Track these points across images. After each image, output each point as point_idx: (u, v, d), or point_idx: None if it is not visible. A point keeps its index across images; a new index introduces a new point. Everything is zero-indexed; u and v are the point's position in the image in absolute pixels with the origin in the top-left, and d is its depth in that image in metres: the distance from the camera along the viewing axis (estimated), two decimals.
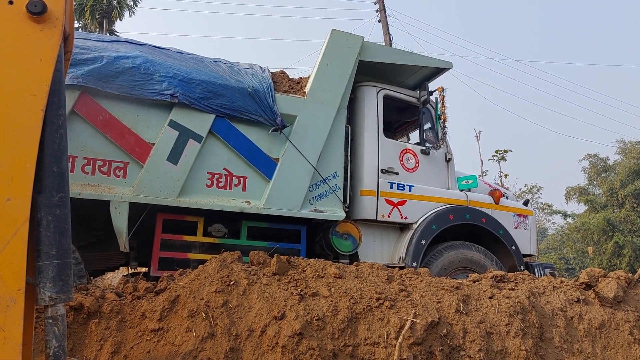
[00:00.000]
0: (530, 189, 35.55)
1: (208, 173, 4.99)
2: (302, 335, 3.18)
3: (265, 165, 5.21)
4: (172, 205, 4.78)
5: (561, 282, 4.36)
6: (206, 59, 5.53)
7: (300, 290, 3.53)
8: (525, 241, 6.61)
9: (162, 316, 3.21)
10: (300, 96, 5.49)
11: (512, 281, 4.30)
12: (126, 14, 27.63)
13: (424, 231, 5.82)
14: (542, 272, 6.48)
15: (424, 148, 6.29)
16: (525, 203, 7.42)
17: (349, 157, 5.81)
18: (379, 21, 19.68)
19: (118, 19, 27.18)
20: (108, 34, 26.39)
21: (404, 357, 3.23)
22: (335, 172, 5.59)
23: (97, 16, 26.14)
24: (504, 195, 6.92)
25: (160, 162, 4.74)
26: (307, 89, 5.53)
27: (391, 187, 5.92)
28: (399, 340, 3.29)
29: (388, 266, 5.28)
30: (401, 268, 5.28)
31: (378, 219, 5.81)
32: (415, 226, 5.90)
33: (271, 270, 3.73)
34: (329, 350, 3.18)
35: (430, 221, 5.89)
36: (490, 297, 3.95)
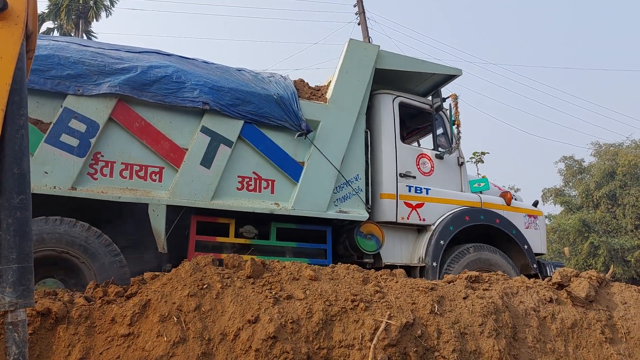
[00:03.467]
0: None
1: (238, 177, 5.16)
2: (276, 338, 3.15)
3: (292, 169, 5.40)
4: (206, 208, 4.93)
5: (534, 282, 4.41)
6: (231, 68, 5.68)
7: (275, 293, 3.50)
8: (536, 241, 6.84)
9: (132, 321, 3.15)
10: (322, 102, 5.70)
11: (486, 282, 4.33)
12: (103, 14, 27.26)
13: (442, 232, 6.02)
14: (553, 269, 6.74)
15: (439, 152, 6.53)
16: (535, 204, 7.58)
17: (369, 162, 6.00)
18: (359, 24, 19.74)
19: (95, 20, 26.81)
20: (84, 35, 26.04)
21: (378, 358, 3.22)
22: (357, 175, 5.79)
23: (72, 16, 25.75)
24: (513, 197, 7.16)
25: (194, 166, 4.90)
26: (328, 95, 5.74)
27: (409, 191, 6.13)
28: (374, 342, 3.28)
29: (409, 266, 5.95)
30: (422, 268, 5.88)
31: (398, 221, 6.00)
32: (433, 227, 6.10)
33: (246, 274, 3.69)
34: (303, 353, 3.16)
35: (447, 222, 6.10)
36: (464, 298, 3.97)
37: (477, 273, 4.42)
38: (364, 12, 19.54)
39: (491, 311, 3.83)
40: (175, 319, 3.16)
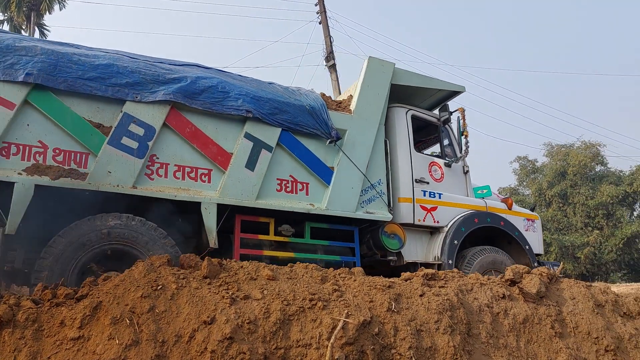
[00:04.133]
0: None
1: (277, 179, 5.59)
2: (233, 339, 3.11)
3: (324, 173, 5.88)
4: (250, 207, 5.33)
5: (488, 279, 4.51)
6: (263, 81, 6.17)
7: (232, 294, 3.46)
8: (535, 242, 7.47)
9: (82, 324, 3.05)
10: (347, 113, 6.26)
11: (442, 279, 4.40)
12: (56, 7, 26.32)
13: (455, 233, 6.57)
14: (553, 269, 7.06)
15: (448, 161, 7.13)
16: (532, 209, 8.31)
17: (388, 168, 6.52)
18: (320, 23, 19.76)
19: (47, 12, 25.86)
20: (36, 28, 25.10)
21: (335, 357, 3.23)
22: (380, 180, 6.31)
23: (24, 9, 24.76)
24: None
25: (240, 168, 5.31)
26: (352, 107, 6.32)
27: (424, 195, 6.70)
28: (331, 340, 3.29)
29: (425, 265, 6.37)
30: (439, 266, 6.39)
31: (415, 223, 6.52)
32: (446, 229, 6.63)
33: (202, 274, 3.63)
34: (260, 353, 3.13)
35: (459, 224, 6.66)
36: (421, 295, 4.02)
37: (433, 271, 4.50)
38: (325, 12, 19.56)
39: (447, 308, 3.90)
40: (127, 321, 3.08)
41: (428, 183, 6.76)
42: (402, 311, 3.80)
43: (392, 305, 3.77)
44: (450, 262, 6.37)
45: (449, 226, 6.63)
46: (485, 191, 7.51)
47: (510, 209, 7.53)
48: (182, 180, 5.04)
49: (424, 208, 6.61)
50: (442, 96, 7.47)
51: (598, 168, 31.75)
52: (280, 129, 5.58)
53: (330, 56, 18.98)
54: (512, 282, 4.52)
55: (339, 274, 4.18)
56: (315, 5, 19.81)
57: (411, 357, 3.46)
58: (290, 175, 5.68)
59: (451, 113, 7.24)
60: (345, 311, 3.52)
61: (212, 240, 4.98)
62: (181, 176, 5.05)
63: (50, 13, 26.20)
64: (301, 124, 5.73)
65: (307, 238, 5.78)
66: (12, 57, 4.46)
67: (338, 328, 3.35)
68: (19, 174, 4.27)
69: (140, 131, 4.84)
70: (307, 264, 4.19)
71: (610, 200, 28.85)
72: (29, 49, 4.59)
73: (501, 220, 7.06)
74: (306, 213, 5.66)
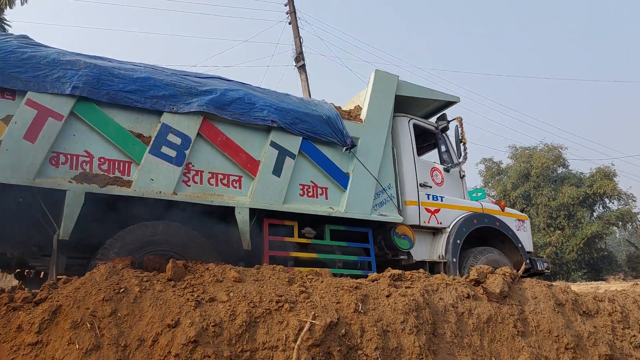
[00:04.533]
0: None
1: (300, 184, 5.94)
2: (197, 342, 3.06)
3: (341, 178, 6.28)
4: (278, 211, 5.66)
5: (453, 279, 4.57)
6: (280, 93, 6.47)
7: (197, 296, 3.41)
8: (526, 240, 8.02)
9: (41, 328, 2.95)
10: (359, 122, 6.68)
11: (409, 279, 4.44)
12: (17, 1, 25.48)
13: (458, 233, 7.04)
14: (542, 265, 7.99)
15: (447, 166, 7.67)
16: (522, 210, 9.04)
17: (397, 173, 6.98)
18: (289, 23, 19.71)
19: (8, 7, 25.01)
20: None
21: (302, 359, 3.22)
22: (390, 184, 6.74)
23: None
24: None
25: (267, 175, 5.63)
26: (362, 116, 6.77)
27: (428, 198, 7.18)
28: (298, 342, 3.27)
29: (431, 263, 6.89)
30: (444, 264, 6.85)
31: (421, 225, 6.95)
32: (448, 230, 7.09)
33: (166, 276, 3.57)
34: (225, 356, 3.09)
35: (460, 225, 7.13)
36: (387, 296, 4.05)
37: (400, 271, 4.53)
38: (294, 12, 19.52)
39: (413, 308, 3.93)
40: (88, 325, 3.00)
41: (431, 187, 7.30)
42: (368, 312, 3.81)
43: (359, 306, 3.79)
44: (454, 260, 6.85)
45: (451, 227, 7.10)
46: (479, 194, 8.15)
47: (503, 210, 8.06)
48: (216, 186, 5.35)
49: (428, 210, 7.11)
50: (438, 106, 8.03)
51: (560, 170, 32.71)
52: (301, 138, 5.95)
53: (299, 57, 18.95)
54: (477, 282, 4.59)
55: (307, 276, 4.17)
56: (285, 5, 19.76)
57: (377, 357, 3.48)
58: (311, 181, 6.07)
59: (449, 122, 7.80)
60: (312, 313, 3.52)
61: (246, 242, 5.25)
62: (215, 182, 5.35)
63: (11, 7, 25.33)
64: (320, 133, 6.12)
65: (327, 240, 6.11)
66: (59, 71, 4.66)
67: (305, 330, 3.34)
68: (70, 182, 4.47)
69: (177, 140, 5.14)
70: (274, 265, 4.17)
71: (572, 202, 29.73)
72: (74, 63, 4.81)
73: (497, 221, 7.59)
74: (326, 216, 6.03)
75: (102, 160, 4.75)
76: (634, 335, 4.77)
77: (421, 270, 4.77)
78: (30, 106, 4.47)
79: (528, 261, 7.52)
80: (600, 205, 32.17)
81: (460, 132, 7.72)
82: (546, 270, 8.12)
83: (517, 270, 6.45)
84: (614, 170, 31.08)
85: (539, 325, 4.39)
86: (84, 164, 4.65)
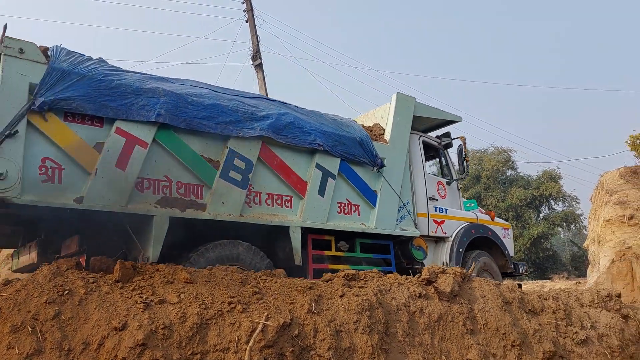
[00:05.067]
0: None
1: (338, 203, 6.36)
2: (145, 345, 2.98)
3: (371, 196, 6.72)
4: (322, 228, 6.12)
5: (406, 279, 4.63)
6: (318, 112, 6.76)
7: (146, 298, 3.32)
8: (509, 246, 8.81)
9: None
10: (384, 143, 7.12)
11: (362, 279, 4.47)
12: None
13: (460, 242, 7.68)
14: (522, 268, 8.80)
15: (450, 180, 8.29)
16: (506, 219, 9.68)
17: (413, 189, 7.46)
18: (247, 21, 19.52)
19: None
20: None
21: None
22: (408, 200, 7.22)
23: None
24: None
25: (314, 194, 6.04)
26: (387, 137, 7.23)
27: (435, 210, 7.72)
28: (250, 344, 3.23)
29: None
30: None
31: (429, 235, 7.47)
32: (451, 239, 7.67)
33: (114, 277, 3.46)
34: (174, 359, 3.02)
35: (462, 235, 7.76)
36: (341, 296, 4.06)
37: (354, 271, 4.56)
38: (252, 10, 19.35)
39: (366, 308, 3.96)
40: (29, 328, 2.87)
41: (437, 200, 7.86)
42: (322, 312, 3.81)
43: (312, 306, 3.78)
44: (457, 265, 7.44)
45: (453, 236, 7.71)
46: (472, 205, 8.98)
47: (493, 220, 8.80)
48: (272, 206, 5.72)
49: (435, 222, 7.65)
50: (440, 123, 8.59)
51: (509, 172, 33.77)
52: (339, 159, 6.33)
53: (256, 55, 18.80)
54: (428, 282, 4.67)
55: (260, 276, 4.13)
56: (242, 3, 19.56)
57: (330, 357, 3.48)
58: (347, 199, 6.51)
59: (453, 139, 8.44)
60: (265, 314, 3.49)
61: (298, 258, 5.65)
62: (271, 203, 5.73)
63: None
64: (354, 154, 6.51)
65: (357, 252, 6.58)
66: (143, 99, 4.83)
67: (257, 331, 3.31)
68: (155, 207, 4.77)
69: (242, 165, 5.45)
70: (227, 266, 4.11)
71: (519, 203, 30.76)
72: (154, 91, 4.96)
73: (489, 231, 8.37)
74: (363, 233, 6.56)
75: (179, 184, 5.04)
76: (576, 332, 4.97)
77: (374, 270, 4.81)
78: (119, 134, 4.66)
79: (512, 265, 8.47)
80: (546, 207, 33.45)
81: (464, 150, 8.59)
82: (525, 273, 8.95)
83: (502, 272, 8.21)
84: (559, 173, 32.42)
85: (487, 323, 4.51)
86: (165, 188, 4.93)
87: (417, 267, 7.08)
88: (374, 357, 3.68)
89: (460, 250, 7.64)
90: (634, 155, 14.97)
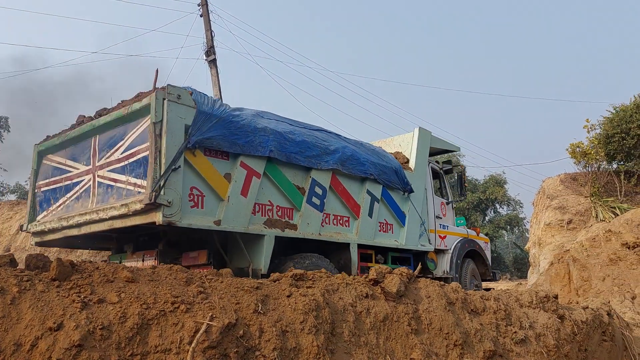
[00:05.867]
0: None
1: (379, 222, 7.65)
2: (82, 347, 2.86)
3: (401, 217, 8.07)
4: (369, 244, 7.40)
5: (353, 279, 4.66)
6: (359, 142, 7.93)
7: (84, 297, 3.18)
8: (489, 257, 10.59)
9: None
10: (409, 170, 8.45)
11: (310, 279, 4.45)
12: None
13: (458, 254, 9.24)
14: (498, 276, 10.72)
15: (447, 200, 9.89)
16: (486, 234, 11.42)
17: (427, 209, 8.80)
18: (201, 15, 19.19)
19: None
20: None
21: None
22: (424, 219, 8.58)
23: None
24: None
25: (365, 216, 7.31)
26: (411, 166, 8.62)
27: (440, 227, 9.19)
28: (193, 345, 3.16)
29: (440, 278, 8.78)
30: (450, 278, 8.81)
31: (436, 248, 8.89)
32: (450, 251, 9.19)
33: (50, 276, 3.30)
34: None
35: (459, 248, 9.34)
36: (288, 296, 4.04)
37: (302, 271, 4.54)
38: (207, 5, 19.05)
39: (313, 308, 3.95)
40: None
41: (441, 218, 9.27)
42: (268, 312, 3.78)
43: (258, 306, 3.74)
44: (457, 275, 9.07)
45: (452, 249, 9.20)
46: (461, 221, 10.52)
47: (478, 235, 10.56)
48: (336, 226, 6.95)
49: (440, 237, 9.05)
50: (440, 151, 10.12)
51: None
52: (382, 186, 7.63)
53: (210, 51, 18.53)
54: (375, 282, 4.71)
55: (206, 276, 4.05)
56: None
57: (275, 358, 3.45)
58: (385, 219, 7.80)
59: (454, 166, 10.49)
60: (210, 314, 3.42)
61: (354, 269, 6.81)
62: (336, 223, 6.94)
63: None
64: (392, 182, 7.81)
65: (389, 263, 7.94)
66: (259, 137, 5.86)
67: (201, 331, 3.24)
68: (264, 227, 5.86)
69: (320, 191, 6.62)
70: (171, 265, 4.01)
71: (467, 206, 31.64)
72: (265, 130, 6.01)
73: (476, 244, 10.05)
74: (394, 248, 7.93)
75: (278, 207, 6.17)
76: (515, 332, 5.14)
77: (323, 269, 4.82)
78: (243, 167, 5.73)
79: (492, 273, 10.41)
80: (492, 210, 34.58)
81: (463, 177, 10.68)
82: (499, 279, 10.89)
83: (482, 279, 10.04)
84: (505, 177, 33.59)
85: (431, 323, 4.60)
86: (269, 211, 6.04)
87: (428, 276, 8.25)
88: (320, 358, 3.68)
89: (458, 261, 9.20)
90: (574, 163, 15.65)
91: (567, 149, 15.49)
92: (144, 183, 5.09)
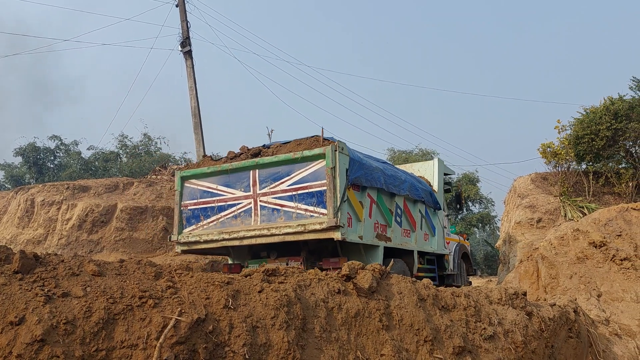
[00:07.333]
0: None
1: (424, 234, 9.84)
2: (45, 341, 2.78)
3: (433, 228, 10.22)
4: (420, 250, 9.49)
5: (326, 275, 4.64)
6: (404, 171, 10.26)
7: (48, 291, 3.09)
8: (471, 257, 13.25)
9: None
10: (435, 191, 10.60)
11: (282, 275, 4.42)
12: None
13: (458, 255, 11.80)
14: (478, 272, 14.17)
15: (447, 214, 12.23)
16: (467, 238, 13.94)
17: (442, 221, 11.00)
18: (177, 6, 18.89)
19: None
20: None
21: (164, 358, 3.06)
22: (443, 229, 10.90)
23: None
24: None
25: (419, 229, 9.50)
26: (435, 187, 10.87)
27: (446, 235, 11.36)
28: (160, 340, 3.10)
29: (447, 275, 11.31)
30: (453, 275, 11.35)
31: (444, 252, 10.98)
32: (452, 254, 11.48)
33: (13, 268, 3.20)
34: (77, 356, 2.84)
35: (458, 251, 11.87)
36: (259, 292, 4.00)
37: (274, 267, 4.51)
38: None
39: (284, 304, 3.92)
40: None
41: (445, 227, 11.33)
42: (239, 308, 3.73)
43: (229, 301, 3.69)
44: (458, 271, 11.57)
45: (453, 252, 11.53)
46: (452, 229, 12.76)
47: (465, 240, 12.98)
48: (405, 237, 8.99)
49: (447, 242, 11.11)
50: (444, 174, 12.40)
51: None
52: (425, 205, 9.82)
53: (186, 42, 18.26)
54: (348, 278, 4.70)
55: (175, 270, 3.98)
56: None
57: (245, 354, 3.42)
58: (426, 231, 9.89)
59: (453, 187, 13.23)
60: (179, 309, 3.36)
61: (415, 271, 8.96)
62: (404, 235, 8.99)
63: None
64: (429, 201, 9.94)
65: (425, 264, 9.98)
66: (375, 174, 8.05)
67: (169, 327, 3.18)
68: (377, 239, 7.99)
69: (399, 212, 8.76)
70: (140, 259, 3.92)
71: None
72: (376, 169, 8.16)
73: (466, 249, 12.64)
74: (429, 252, 10.06)
75: (381, 225, 8.21)
76: (484, 328, 5.20)
77: (295, 265, 4.79)
78: (368, 196, 7.84)
79: (474, 270, 13.13)
80: (465, 208, 34.98)
81: (462, 196, 14.04)
82: (480, 276, 13.37)
83: (467, 274, 12.49)
84: (478, 176, 34.00)
85: (402, 319, 4.62)
86: (376, 227, 8.04)
87: (445, 272, 10.95)
88: (290, 353, 3.65)
89: (458, 261, 11.72)
90: (544, 163, 15.91)
91: (538, 149, 15.74)
92: (317, 209, 7.09)
